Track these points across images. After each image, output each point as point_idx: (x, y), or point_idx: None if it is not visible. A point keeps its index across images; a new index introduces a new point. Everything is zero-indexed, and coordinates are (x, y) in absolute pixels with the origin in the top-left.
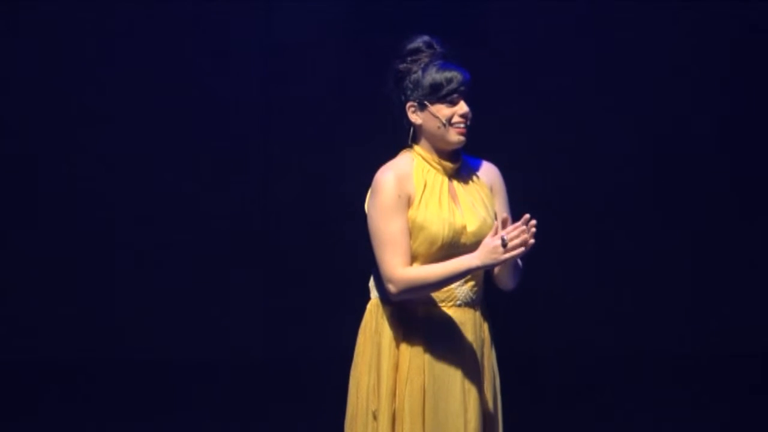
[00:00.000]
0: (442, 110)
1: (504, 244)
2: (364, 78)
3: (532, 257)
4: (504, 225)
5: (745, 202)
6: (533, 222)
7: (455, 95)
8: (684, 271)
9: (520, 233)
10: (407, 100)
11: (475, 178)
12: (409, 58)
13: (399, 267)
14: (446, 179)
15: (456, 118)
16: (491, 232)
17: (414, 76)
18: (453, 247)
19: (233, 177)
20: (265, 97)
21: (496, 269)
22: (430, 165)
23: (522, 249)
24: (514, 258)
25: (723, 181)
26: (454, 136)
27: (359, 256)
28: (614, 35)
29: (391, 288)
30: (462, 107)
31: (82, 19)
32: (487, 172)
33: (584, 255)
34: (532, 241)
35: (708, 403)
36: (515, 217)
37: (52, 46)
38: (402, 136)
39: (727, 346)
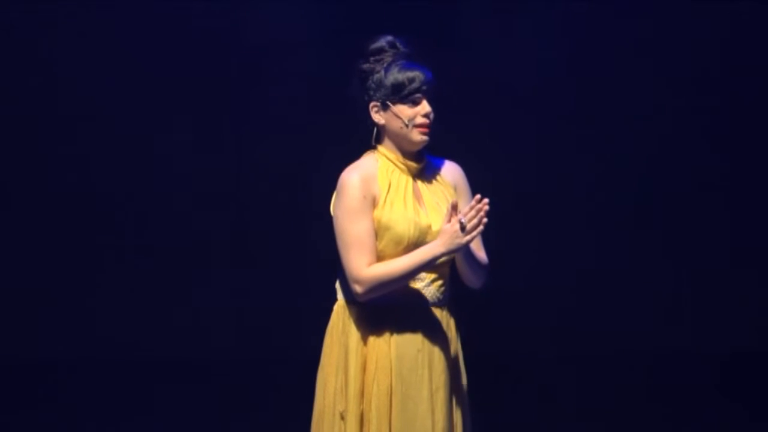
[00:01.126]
0: (405, 110)
1: (463, 227)
2: (340, 79)
3: (502, 256)
4: (455, 210)
5: (709, 204)
6: (485, 200)
7: (417, 95)
8: (655, 271)
9: (477, 212)
10: (370, 100)
11: (439, 177)
12: (372, 58)
13: (364, 267)
14: (410, 179)
15: (419, 119)
16: (445, 219)
17: (377, 76)
18: (418, 247)
19: (206, 176)
20: (240, 97)
21: (458, 263)
22: (395, 165)
23: (481, 228)
24: (473, 239)
25: (685, 182)
26: (417, 136)
27: (327, 257)
28: (585, 35)
29: (358, 288)
30: (424, 107)
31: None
32: (451, 171)
33: (554, 255)
34: (485, 220)
35: (675, 403)
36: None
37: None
38: (366, 137)
39: (698, 346)
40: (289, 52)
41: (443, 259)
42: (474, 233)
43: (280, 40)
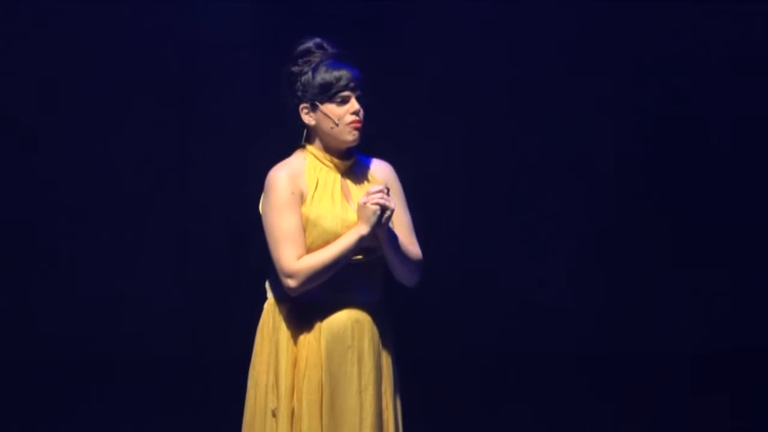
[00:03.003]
0: (334, 109)
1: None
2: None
3: (436, 256)
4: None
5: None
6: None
7: (345, 93)
8: (597, 271)
9: (380, 189)
10: (300, 102)
11: (369, 175)
12: (300, 60)
13: (295, 260)
14: (339, 177)
15: (348, 117)
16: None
17: (305, 78)
18: None
19: (152, 177)
20: (183, 97)
21: (388, 257)
22: (323, 163)
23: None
24: (388, 213)
25: (641, 183)
26: (348, 135)
27: (259, 256)
28: (527, 34)
29: (291, 282)
30: (353, 105)
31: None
32: (381, 169)
33: (488, 255)
34: (392, 204)
35: (614, 400)
36: (424, 211)
37: None
38: (298, 139)
39: (643, 344)
40: (231, 52)
41: (370, 255)
42: (377, 199)
43: (221, 40)
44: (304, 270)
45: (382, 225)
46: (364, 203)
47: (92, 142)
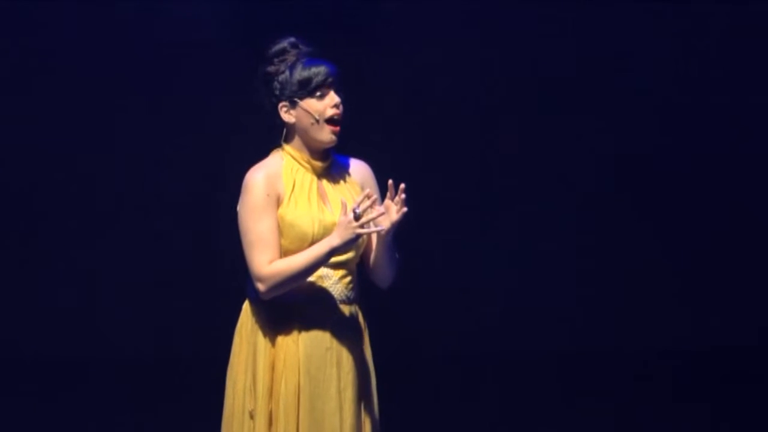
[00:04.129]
0: (314, 104)
1: (357, 217)
2: (251, 79)
3: (409, 257)
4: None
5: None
6: (402, 186)
7: (324, 87)
8: (569, 271)
9: (372, 202)
10: (278, 101)
11: (345, 176)
12: (276, 60)
13: (265, 265)
14: (315, 178)
15: (329, 111)
16: (341, 211)
17: (282, 77)
18: None
19: (123, 176)
20: (154, 97)
21: (372, 259)
22: (300, 164)
23: (374, 216)
24: (372, 231)
25: (610, 183)
26: (327, 135)
27: (238, 256)
28: (500, 35)
29: (260, 286)
30: (333, 98)
31: None
32: (358, 169)
33: (466, 254)
34: (404, 209)
35: (592, 402)
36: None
37: None
38: (275, 140)
39: (617, 343)
40: (199, 50)
41: (348, 255)
42: (364, 220)
43: (190, 38)
44: (273, 276)
45: (355, 240)
46: (349, 222)
47: (59, 141)
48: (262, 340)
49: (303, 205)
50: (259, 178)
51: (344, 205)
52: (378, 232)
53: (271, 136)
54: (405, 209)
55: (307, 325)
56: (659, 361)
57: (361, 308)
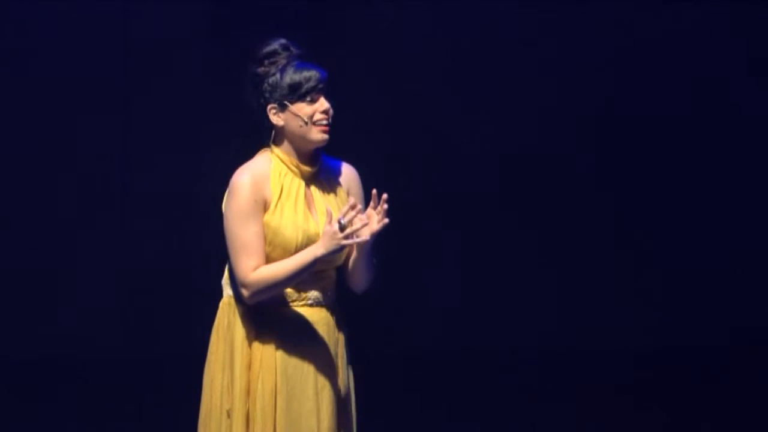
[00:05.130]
0: (303, 108)
1: (342, 228)
2: (224, 78)
3: (389, 257)
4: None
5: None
6: (385, 196)
7: (314, 92)
8: (545, 270)
9: (357, 213)
10: (267, 103)
11: (333, 182)
12: (266, 61)
13: (251, 271)
14: (303, 184)
15: (318, 115)
16: (326, 220)
17: (272, 79)
18: None
19: (93, 177)
20: (125, 96)
21: (351, 264)
22: (288, 168)
23: (359, 226)
24: (355, 241)
25: (588, 183)
26: (317, 135)
27: (214, 253)
28: (471, 36)
29: (245, 292)
30: (323, 104)
31: None
32: (345, 175)
33: (443, 255)
34: (386, 220)
35: (562, 398)
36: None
37: None
38: (260, 141)
39: (587, 343)
40: (177, 49)
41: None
42: (349, 231)
43: (168, 36)
44: (259, 282)
45: (339, 250)
46: (334, 233)
47: (33, 137)
48: (239, 339)
49: (289, 213)
50: (246, 182)
51: (329, 215)
52: None
53: (253, 135)
54: (386, 220)
55: (284, 326)
56: (631, 362)
57: (338, 310)
